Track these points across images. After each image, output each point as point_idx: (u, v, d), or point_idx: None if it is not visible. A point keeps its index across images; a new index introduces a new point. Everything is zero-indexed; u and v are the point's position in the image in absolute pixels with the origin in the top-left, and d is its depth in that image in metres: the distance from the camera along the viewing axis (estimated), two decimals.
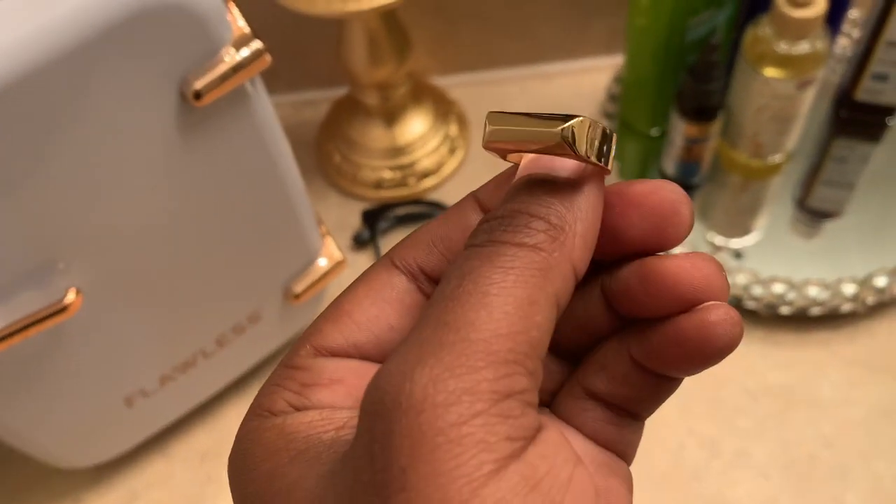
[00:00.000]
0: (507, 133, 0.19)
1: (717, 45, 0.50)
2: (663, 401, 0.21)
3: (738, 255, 0.60)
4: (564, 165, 0.19)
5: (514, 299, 0.17)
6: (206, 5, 0.34)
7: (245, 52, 0.36)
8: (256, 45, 0.36)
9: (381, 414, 0.16)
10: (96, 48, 0.32)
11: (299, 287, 0.50)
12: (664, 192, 0.20)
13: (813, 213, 0.62)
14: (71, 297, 0.37)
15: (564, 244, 0.18)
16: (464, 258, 0.18)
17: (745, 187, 0.63)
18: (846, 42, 0.67)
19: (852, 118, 0.63)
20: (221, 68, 0.35)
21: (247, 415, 0.20)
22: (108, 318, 0.42)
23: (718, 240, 0.60)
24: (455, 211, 0.21)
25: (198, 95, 0.35)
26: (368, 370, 0.20)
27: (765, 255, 0.59)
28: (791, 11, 0.50)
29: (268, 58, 0.37)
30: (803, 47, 0.52)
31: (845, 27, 0.66)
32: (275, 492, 0.18)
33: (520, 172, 0.20)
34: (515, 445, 0.16)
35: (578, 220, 0.19)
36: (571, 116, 0.19)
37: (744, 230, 0.62)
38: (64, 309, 0.36)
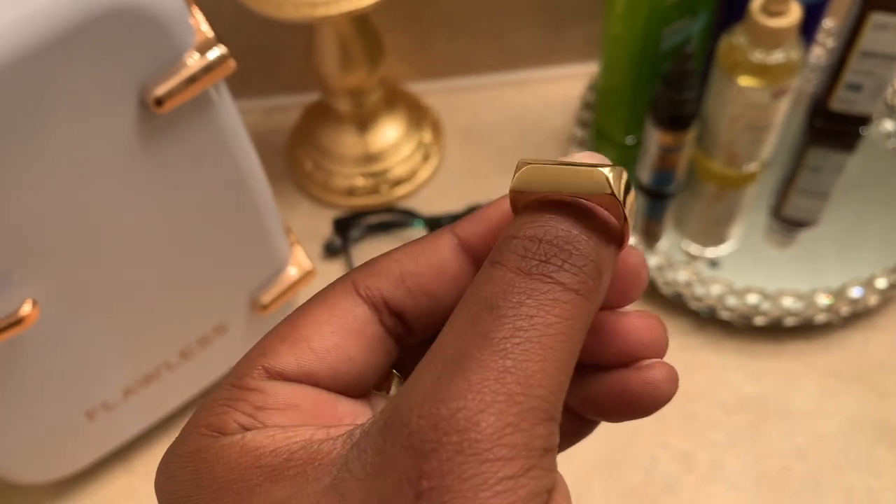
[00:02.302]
0: (543, 176, 0.18)
1: (691, 53, 0.50)
2: (577, 442, 0.23)
3: (713, 263, 0.59)
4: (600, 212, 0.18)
5: (566, 353, 0.17)
6: (167, 9, 0.33)
7: (208, 57, 0.35)
8: (220, 50, 0.35)
9: (437, 452, 0.16)
10: (52, 53, 0.31)
11: (267, 297, 0.49)
12: (630, 259, 0.20)
13: (788, 223, 0.62)
14: (27, 308, 0.35)
15: (599, 292, 0.18)
16: (505, 282, 0.17)
17: (720, 196, 0.63)
18: (820, 51, 0.67)
19: (826, 128, 0.63)
20: (183, 74, 0.34)
21: (188, 434, 0.19)
22: (68, 330, 0.40)
23: (693, 248, 0.60)
24: (430, 247, 0.21)
25: (159, 102, 0.34)
26: (321, 397, 0.19)
27: (740, 264, 0.58)
28: (765, 21, 0.50)
29: (232, 63, 0.36)
30: (778, 56, 0.51)
31: (820, 36, 0.66)
32: None
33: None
34: (545, 498, 0.17)
35: (606, 270, 0.18)
36: (605, 164, 0.18)
37: (719, 239, 0.61)
38: (19, 321, 0.35)
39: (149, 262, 0.42)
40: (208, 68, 0.35)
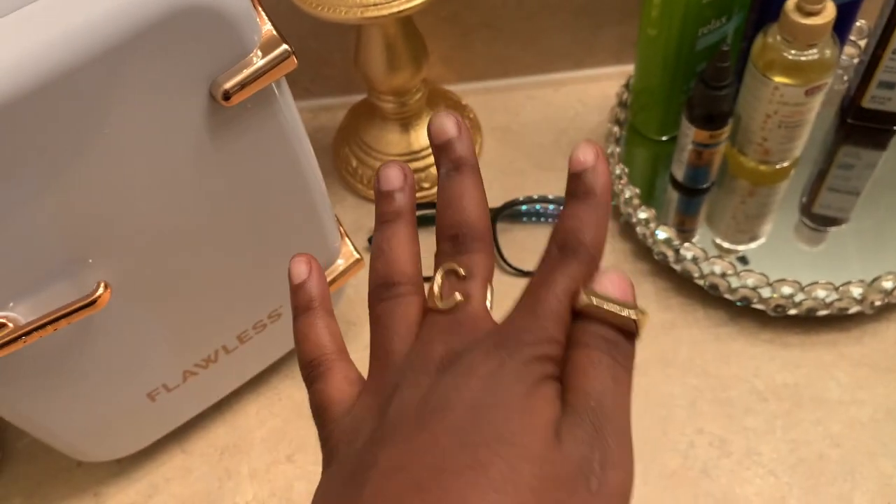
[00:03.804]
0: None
1: (728, 51, 0.52)
2: None
3: (743, 260, 0.61)
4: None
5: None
6: (236, 8, 0.35)
7: (272, 54, 0.37)
8: (283, 47, 0.37)
9: None
10: (129, 50, 0.33)
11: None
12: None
13: (818, 220, 0.63)
14: (100, 291, 0.38)
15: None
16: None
17: (752, 192, 0.64)
18: (853, 50, 0.68)
19: (859, 125, 0.64)
20: (250, 70, 0.37)
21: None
22: (134, 314, 0.43)
23: (726, 244, 0.61)
24: None
25: (227, 96, 0.36)
26: None
27: (770, 260, 0.59)
28: (800, 19, 0.51)
29: (294, 60, 0.38)
30: (812, 54, 0.53)
31: (852, 35, 0.68)
32: None
33: None
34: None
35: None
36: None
37: (751, 236, 0.63)
38: (93, 302, 0.38)
39: (212, 251, 0.44)
40: (273, 64, 0.37)
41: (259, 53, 0.37)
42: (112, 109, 0.35)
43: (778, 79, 0.54)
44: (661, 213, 0.63)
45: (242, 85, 0.37)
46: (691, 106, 0.55)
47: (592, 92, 0.71)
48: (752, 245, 0.62)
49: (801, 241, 0.62)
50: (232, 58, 0.36)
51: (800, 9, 0.51)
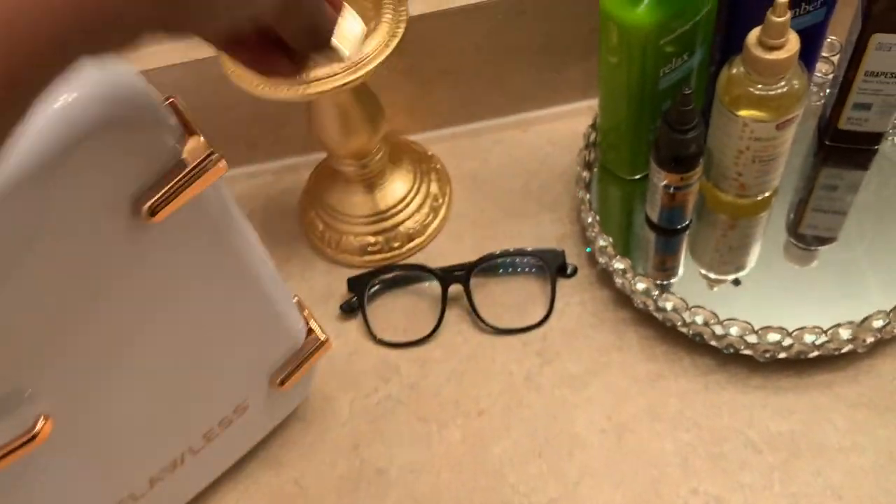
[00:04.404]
0: None
1: (690, 93, 0.49)
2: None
3: (736, 282, 0.58)
4: None
5: None
6: (152, 122, 0.33)
7: (198, 162, 0.35)
8: (210, 154, 0.36)
9: None
10: (42, 176, 0.31)
11: (284, 373, 0.49)
12: None
13: (806, 239, 0.61)
14: (41, 424, 0.36)
15: None
16: None
17: (733, 225, 0.62)
18: (826, 67, 0.66)
19: (838, 147, 0.62)
20: (175, 182, 0.35)
21: None
22: (88, 434, 0.41)
23: (713, 275, 0.59)
24: None
25: (152, 212, 0.34)
26: None
27: (761, 283, 0.58)
28: (763, 54, 0.49)
29: (223, 165, 0.36)
30: (780, 87, 0.50)
31: (824, 52, 0.65)
32: None
33: None
34: None
35: None
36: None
37: (737, 266, 0.60)
38: (33, 438, 0.36)
39: (162, 359, 0.42)
40: (199, 173, 0.35)
41: (184, 162, 0.35)
42: (35, 234, 0.33)
43: (747, 114, 0.52)
44: (641, 253, 0.61)
45: (168, 199, 0.35)
46: (658, 149, 0.53)
47: (562, 130, 0.69)
48: (741, 273, 0.60)
49: (792, 261, 0.59)
50: (153, 172, 0.34)
51: (762, 43, 0.49)
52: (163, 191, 0.34)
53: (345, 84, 0.47)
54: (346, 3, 0.34)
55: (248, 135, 0.69)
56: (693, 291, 0.57)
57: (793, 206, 0.62)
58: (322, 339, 0.50)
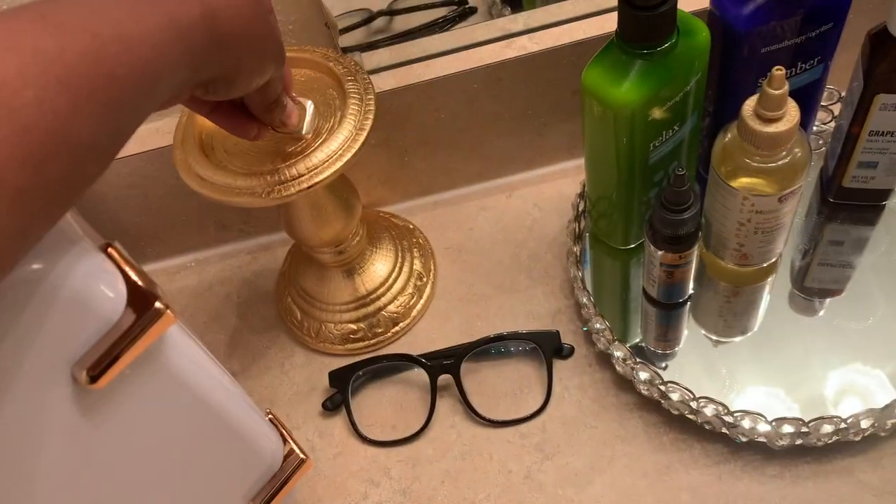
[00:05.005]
0: None
1: (684, 174, 0.46)
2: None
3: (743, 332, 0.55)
4: None
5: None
6: (84, 285, 0.30)
7: (139, 319, 0.31)
8: (156, 305, 0.32)
9: None
10: None
11: (260, 499, 0.45)
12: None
13: (812, 292, 0.57)
14: None
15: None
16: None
17: (736, 292, 0.58)
18: (824, 115, 0.62)
19: (842, 204, 0.58)
20: (116, 344, 0.31)
21: None
22: None
23: (715, 337, 0.56)
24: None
25: (93, 378, 0.31)
26: None
27: (770, 335, 0.55)
28: (761, 127, 0.45)
29: (171, 316, 0.32)
30: (781, 159, 0.47)
31: (823, 101, 0.62)
32: None
33: None
34: None
35: None
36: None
37: (742, 330, 0.57)
38: None
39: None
40: (142, 330, 0.31)
41: (126, 319, 0.31)
42: None
43: (746, 187, 0.48)
44: (641, 322, 0.57)
45: (109, 363, 0.31)
46: (653, 228, 0.49)
47: (548, 192, 0.65)
48: (748, 335, 0.56)
49: (799, 313, 0.56)
50: (90, 333, 0.31)
51: (759, 116, 0.45)
52: (102, 356, 0.30)
53: (309, 187, 0.44)
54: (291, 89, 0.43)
55: (217, 216, 0.65)
56: (697, 353, 0.54)
57: (799, 262, 0.58)
58: (301, 458, 0.46)
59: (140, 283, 0.32)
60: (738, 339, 0.56)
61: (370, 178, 0.63)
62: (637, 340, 0.56)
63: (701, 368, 0.54)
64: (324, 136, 0.45)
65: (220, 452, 0.41)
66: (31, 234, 0.25)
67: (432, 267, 0.62)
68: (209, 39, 0.31)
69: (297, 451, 0.47)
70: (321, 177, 0.44)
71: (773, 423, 0.48)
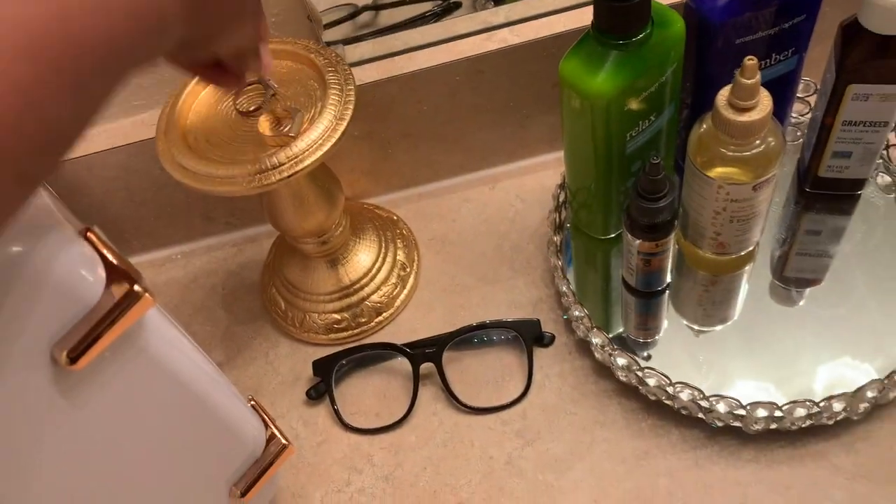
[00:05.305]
0: None
1: (659, 162, 0.46)
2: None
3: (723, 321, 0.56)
4: None
5: None
6: (63, 267, 0.30)
7: (119, 301, 0.32)
8: (134, 288, 0.32)
9: None
10: None
11: (244, 485, 0.46)
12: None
13: (792, 282, 0.58)
14: None
15: None
16: None
17: (715, 281, 0.59)
18: (801, 107, 0.63)
19: (819, 194, 0.59)
20: (95, 327, 0.31)
21: None
22: None
23: (696, 327, 0.56)
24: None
25: (73, 360, 0.31)
26: None
27: (751, 324, 0.55)
28: (734, 116, 0.46)
29: (149, 299, 0.33)
30: (755, 147, 0.48)
31: (799, 93, 0.63)
32: None
33: None
34: None
35: None
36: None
37: (722, 319, 0.58)
38: None
39: (108, 488, 0.39)
40: (121, 312, 0.32)
41: (104, 302, 0.32)
42: None
43: (721, 176, 0.49)
44: (621, 312, 0.58)
45: (88, 344, 0.31)
46: (630, 217, 0.50)
47: (530, 184, 0.66)
48: (728, 323, 0.57)
49: (781, 303, 0.56)
50: (69, 318, 0.31)
51: (732, 105, 0.46)
52: (81, 337, 0.31)
53: (290, 176, 0.44)
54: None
55: (203, 208, 0.65)
56: (678, 342, 0.55)
57: (777, 252, 0.59)
58: (284, 443, 0.47)
59: (119, 266, 0.33)
60: (718, 328, 0.57)
61: (354, 170, 0.64)
62: (620, 330, 0.57)
63: (682, 357, 0.54)
64: (305, 127, 0.46)
65: (202, 437, 0.42)
66: None
67: (416, 258, 0.63)
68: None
69: (280, 436, 0.47)
70: (302, 165, 0.44)
71: (748, 407, 0.48)
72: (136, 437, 0.38)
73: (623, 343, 0.55)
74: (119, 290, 0.32)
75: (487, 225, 0.64)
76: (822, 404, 0.48)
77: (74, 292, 0.31)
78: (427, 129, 0.62)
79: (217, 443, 0.43)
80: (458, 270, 0.62)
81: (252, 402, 0.47)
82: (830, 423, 0.49)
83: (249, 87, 0.49)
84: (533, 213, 0.64)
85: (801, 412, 0.48)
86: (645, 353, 0.55)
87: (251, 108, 0.48)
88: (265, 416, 0.48)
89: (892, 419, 0.50)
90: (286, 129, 0.45)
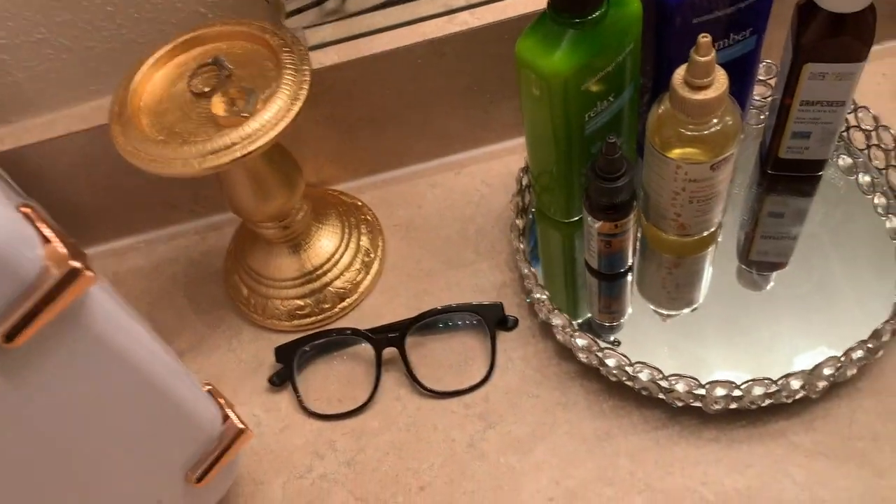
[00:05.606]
0: None
1: (615, 142, 0.46)
2: None
3: (693, 308, 0.56)
4: None
5: None
6: (3, 245, 0.30)
7: (56, 278, 0.31)
8: (71, 266, 0.32)
9: None
10: None
11: (200, 470, 0.45)
12: None
13: (758, 266, 0.58)
14: None
15: None
16: None
17: (678, 263, 0.59)
18: (764, 90, 0.63)
19: (781, 175, 0.59)
20: (34, 304, 0.31)
21: None
22: None
23: (664, 311, 0.56)
24: None
25: (9, 337, 0.31)
26: None
27: (717, 307, 0.55)
28: (690, 94, 0.46)
29: (90, 276, 0.32)
30: (712, 126, 0.48)
31: (760, 75, 0.63)
32: None
33: None
34: None
35: None
36: None
37: (687, 302, 0.58)
38: None
39: (58, 472, 0.38)
40: (60, 289, 0.31)
41: (44, 279, 0.31)
42: None
43: (679, 156, 0.49)
44: (585, 296, 0.58)
45: (25, 321, 0.31)
46: (589, 197, 0.50)
47: (496, 169, 0.65)
48: (694, 306, 0.57)
49: (745, 287, 0.56)
50: (6, 293, 0.31)
51: (688, 84, 0.46)
52: (18, 313, 0.30)
53: (243, 156, 0.44)
54: None
55: (166, 195, 0.65)
56: (644, 327, 0.55)
57: (741, 235, 0.59)
58: (241, 427, 0.47)
59: (59, 243, 0.32)
60: (685, 311, 0.57)
61: (318, 156, 0.64)
62: (588, 316, 0.57)
63: (651, 342, 0.54)
64: (259, 107, 0.46)
65: (153, 421, 0.41)
66: None
67: (380, 243, 0.62)
68: None
69: (237, 420, 0.47)
70: (255, 146, 0.44)
71: (707, 386, 0.48)
72: (82, 420, 0.37)
73: (591, 329, 0.55)
74: (58, 267, 0.32)
75: (453, 210, 0.64)
76: (780, 382, 0.48)
77: (11, 269, 0.30)
78: (391, 113, 0.62)
79: (170, 427, 0.43)
80: (422, 255, 0.62)
81: (208, 388, 0.47)
82: (789, 401, 0.49)
83: (204, 69, 0.48)
84: (498, 198, 0.64)
85: (759, 391, 0.48)
86: (612, 338, 0.55)
87: (205, 90, 0.47)
88: (222, 402, 0.47)
89: (850, 397, 0.51)
90: (239, 109, 0.45)
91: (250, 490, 0.53)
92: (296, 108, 0.45)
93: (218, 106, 0.46)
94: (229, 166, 0.44)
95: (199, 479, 0.45)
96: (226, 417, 0.47)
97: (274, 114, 0.45)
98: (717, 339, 0.54)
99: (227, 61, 0.48)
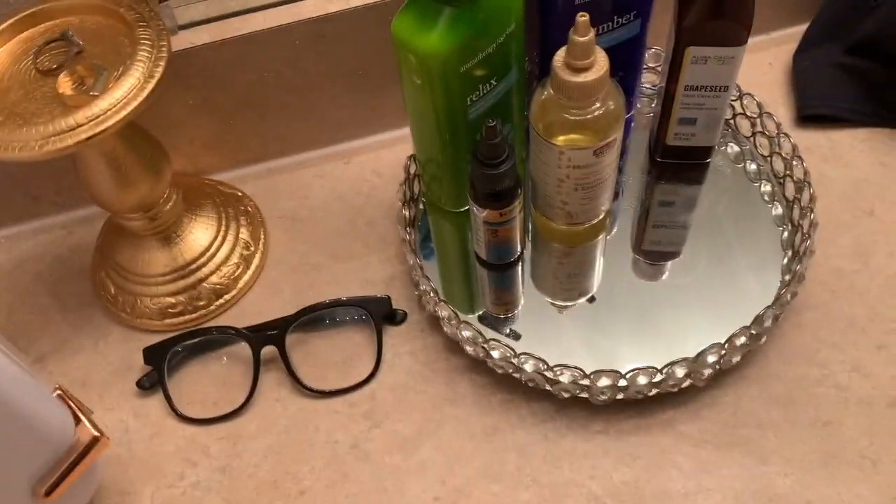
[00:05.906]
0: None
1: (495, 126, 0.45)
2: None
3: (591, 299, 0.55)
4: None
5: None
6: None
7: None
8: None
9: None
10: None
11: (49, 482, 0.41)
12: None
13: (652, 255, 0.57)
14: None
15: None
16: None
17: (569, 253, 0.58)
18: (654, 77, 0.63)
19: (669, 163, 0.59)
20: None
21: None
22: None
23: (559, 302, 0.55)
24: None
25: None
26: None
27: (613, 297, 0.54)
28: (571, 77, 0.45)
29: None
30: (595, 110, 0.46)
31: (650, 62, 0.62)
32: None
33: None
34: None
35: None
36: None
37: (580, 292, 0.57)
38: None
39: None
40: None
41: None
42: None
43: (562, 142, 0.47)
44: (477, 289, 0.56)
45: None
46: (473, 185, 0.48)
47: (387, 159, 0.63)
48: (588, 296, 0.56)
49: (639, 278, 0.56)
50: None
51: (569, 66, 0.45)
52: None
53: (88, 138, 0.40)
54: None
55: (27, 186, 0.60)
56: (540, 320, 0.54)
57: (634, 224, 0.59)
58: (95, 435, 0.43)
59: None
60: (580, 301, 0.56)
61: (193, 143, 0.60)
62: (483, 311, 0.55)
63: (548, 333, 0.53)
64: (111, 85, 0.42)
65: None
66: None
67: (262, 236, 0.59)
68: None
69: (91, 428, 0.43)
70: (103, 126, 0.40)
71: (591, 376, 0.47)
72: None
73: (490, 322, 0.53)
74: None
75: (341, 201, 0.61)
76: (665, 371, 0.47)
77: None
78: (272, 98, 0.58)
79: (10, 437, 0.39)
80: (308, 248, 0.59)
81: (58, 392, 0.43)
82: (675, 390, 0.49)
83: (52, 45, 0.44)
84: (389, 189, 0.62)
85: (644, 380, 0.47)
86: (507, 330, 0.53)
87: (53, 67, 0.43)
88: (75, 407, 0.43)
89: (736, 385, 0.50)
90: (89, 88, 0.41)
91: (115, 502, 0.49)
92: (149, 87, 0.42)
93: (65, 84, 0.42)
94: (76, 149, 0.40)
95: (49, 493, 0.41)
96: (79, 426, 0.43)
97: (125, 92, 0.41)
98: (615, 329, 0.53)
99: (78, 37, 0.44)
